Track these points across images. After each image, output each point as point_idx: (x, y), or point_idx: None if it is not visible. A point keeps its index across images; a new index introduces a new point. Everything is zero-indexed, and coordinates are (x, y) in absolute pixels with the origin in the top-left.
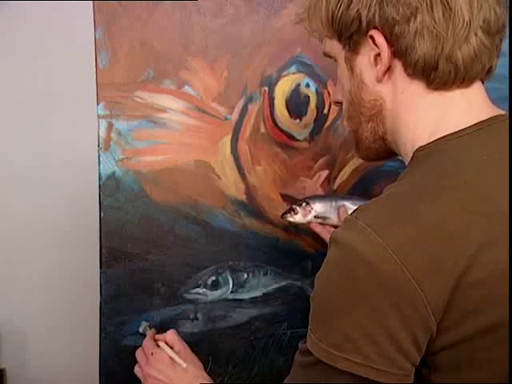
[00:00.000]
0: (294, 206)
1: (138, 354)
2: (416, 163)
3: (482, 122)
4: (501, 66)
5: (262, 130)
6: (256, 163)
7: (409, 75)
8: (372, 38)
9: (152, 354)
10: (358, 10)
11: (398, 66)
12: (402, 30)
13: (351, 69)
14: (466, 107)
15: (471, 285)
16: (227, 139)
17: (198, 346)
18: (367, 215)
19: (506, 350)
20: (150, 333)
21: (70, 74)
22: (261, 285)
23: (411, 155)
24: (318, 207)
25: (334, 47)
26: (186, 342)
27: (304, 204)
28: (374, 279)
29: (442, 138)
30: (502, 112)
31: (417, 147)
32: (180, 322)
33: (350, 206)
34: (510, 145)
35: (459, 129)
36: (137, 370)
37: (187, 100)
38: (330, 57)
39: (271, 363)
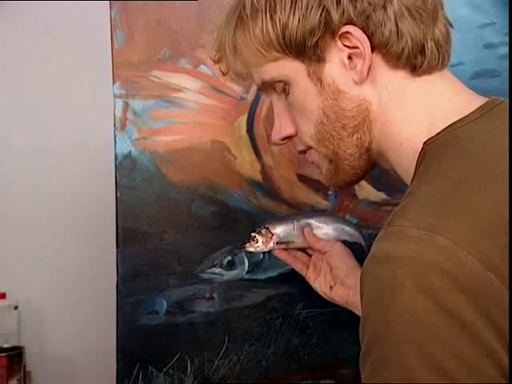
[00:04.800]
0: (253, 235)
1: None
2: (435, 155)
3: (482, 106)
4: None
5: None
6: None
7: (391, 66)
8: (344, 36)
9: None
10: (324, 9)
11: (377, 60)
12: (381, 16)
13: (319, 82)
14: (450, 90)
15: None
16: (243, 119)
17: (214, 325)
18: (414, 219)
19: (507, 350)
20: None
21: (86, 54)
22: (276, 265)
23: (418, 151)
24: (279, 231)
25: (286, 68)
26: (202, 322)
27: (264, 230)
28: (453, 288)
29: (451, 125)
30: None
31: (423, 141)
32: (196, 301)
33: (316, 224)
34: (509, 143)
35: (460, 114)
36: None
37: (203, 79)
38: (272, 86)
39: (286, 343)
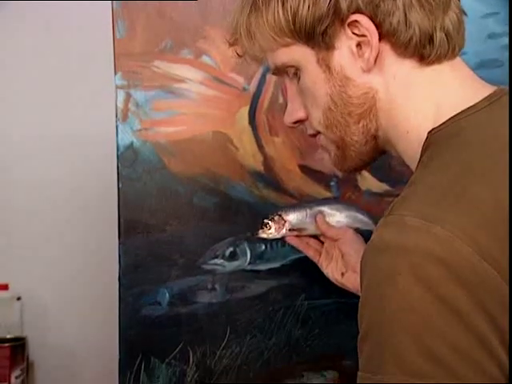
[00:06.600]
0: (266, 221)
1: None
2: (439, 145)
3: (489, 96)
4: None
5: (281, 100)
6: (274, 134)
7: (399, 55)
8: (353, 24)
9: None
10: None
11: (385, 49)
12: (390, 6)
13: (328, 69)
14: (458, 79)
15: None
16: (245, 110)
17: (216, 316)
18: (414, 208)
19: (501, 341)
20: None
21: (88, 45)
22: (279, 256)
23: (423, 140)
24: (291, 218)
25: (297, 54)
26: (204, 313)
27: (277, 217)
28: (449, 278)
29: (457, 115)
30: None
31: (428, 130)
32: (198, 292)
33: (328, 211)
34: (509, 134)
35: (467, 104)
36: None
37: (205, 70)
38: (284, 70)
39: (288, 334)
